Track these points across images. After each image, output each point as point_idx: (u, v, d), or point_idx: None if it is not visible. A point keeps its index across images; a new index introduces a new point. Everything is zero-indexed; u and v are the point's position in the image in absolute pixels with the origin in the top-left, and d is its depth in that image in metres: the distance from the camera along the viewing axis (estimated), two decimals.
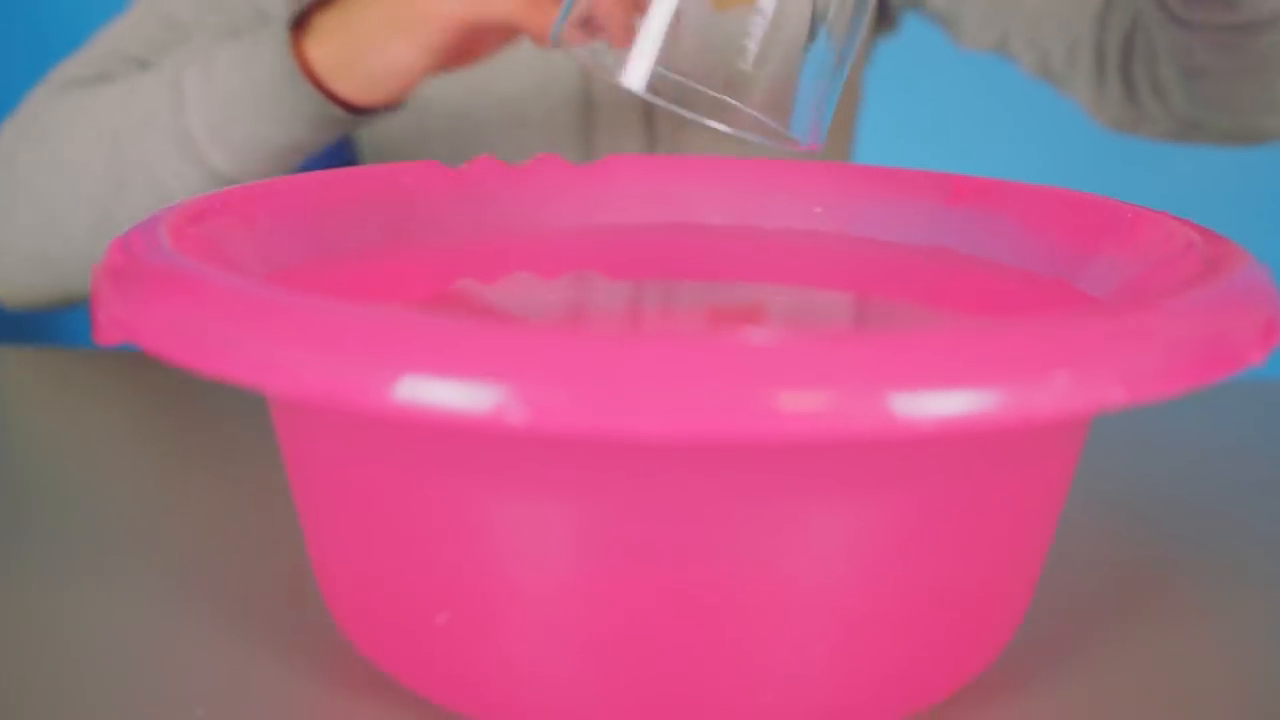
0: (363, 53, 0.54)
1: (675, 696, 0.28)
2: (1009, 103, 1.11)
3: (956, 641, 0.30)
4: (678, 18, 0.33)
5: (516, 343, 0.22)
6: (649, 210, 0.47)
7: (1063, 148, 1.16)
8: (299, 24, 0.56)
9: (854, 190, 0.45)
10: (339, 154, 0.82)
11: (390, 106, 0.57)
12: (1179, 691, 0.33)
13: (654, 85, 0.33)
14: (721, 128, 0.34)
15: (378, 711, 0.31)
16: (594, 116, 0.68)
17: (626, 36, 0.33)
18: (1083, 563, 0.39)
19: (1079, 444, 0.31)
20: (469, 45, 0.55)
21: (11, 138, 0.60)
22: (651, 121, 0.69)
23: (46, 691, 0.31)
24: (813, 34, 0.34)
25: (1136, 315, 0.24)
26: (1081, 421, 0.30)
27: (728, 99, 0.33)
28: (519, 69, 0.66)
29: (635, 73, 0.33)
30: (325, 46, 0.55)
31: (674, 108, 0.33)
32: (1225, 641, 0.35)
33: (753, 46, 0.33)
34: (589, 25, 0.34)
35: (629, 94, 0.37)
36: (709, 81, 0.33)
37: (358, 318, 0.23)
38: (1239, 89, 0.51)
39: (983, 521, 0.28)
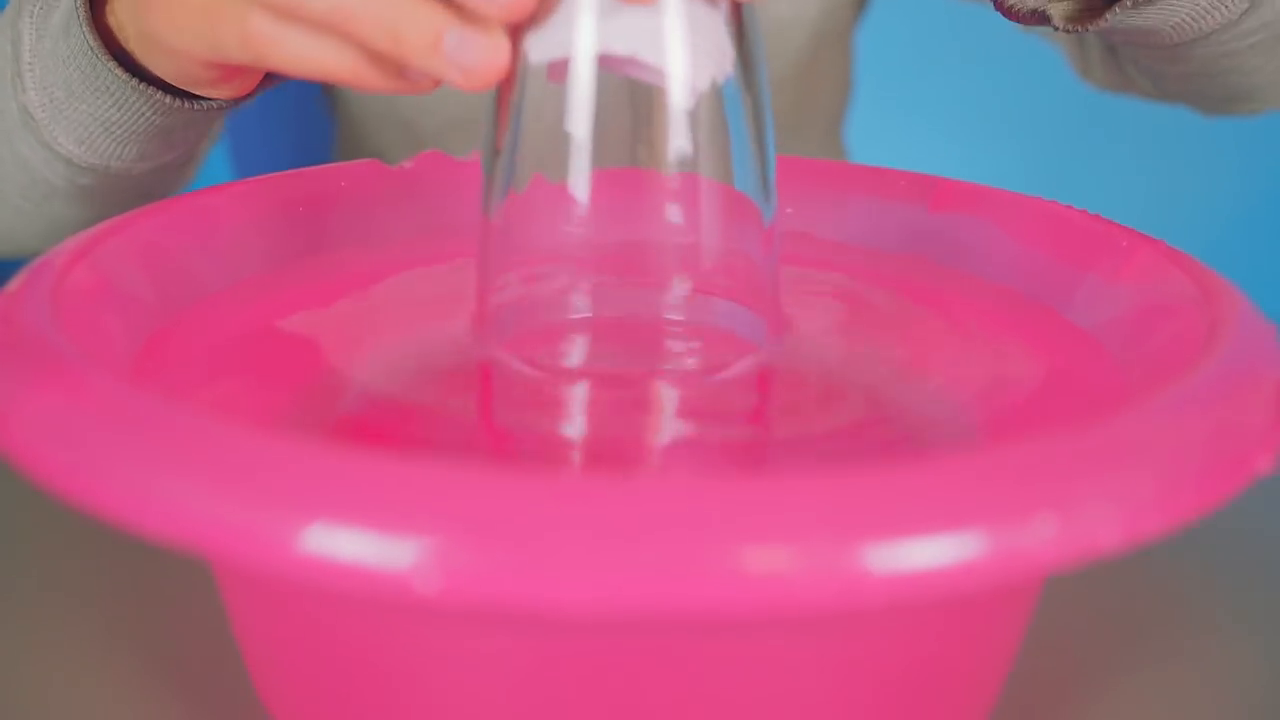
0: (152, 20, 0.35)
1: None
2: (1010, 92, 1.07)
3: None
4: None
5: (431, 492, 0.20)
6: (613, 209, 0.44)
7: (1065, 136, 1.12)
8: None
9: (825, 189, 0.42)
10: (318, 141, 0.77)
11: (236, 95, 0.39)
12: None
13: None
14: None
15: None
16: None
17: None
18: (1063, 615, 0.36)
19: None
20: None
21: None
22: None
23: None
24: None
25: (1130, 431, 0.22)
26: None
27: None
28: None
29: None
30: (121, 11, 0.38)
31: None
32: (1209, 685, 0.33)
33: None
34: None
35: None
36: None
37: (252, 448, 0.21)
38: (1197, 86, 0.49)
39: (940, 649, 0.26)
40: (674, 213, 0.34)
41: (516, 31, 0.29)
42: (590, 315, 0.35)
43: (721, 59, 0.29)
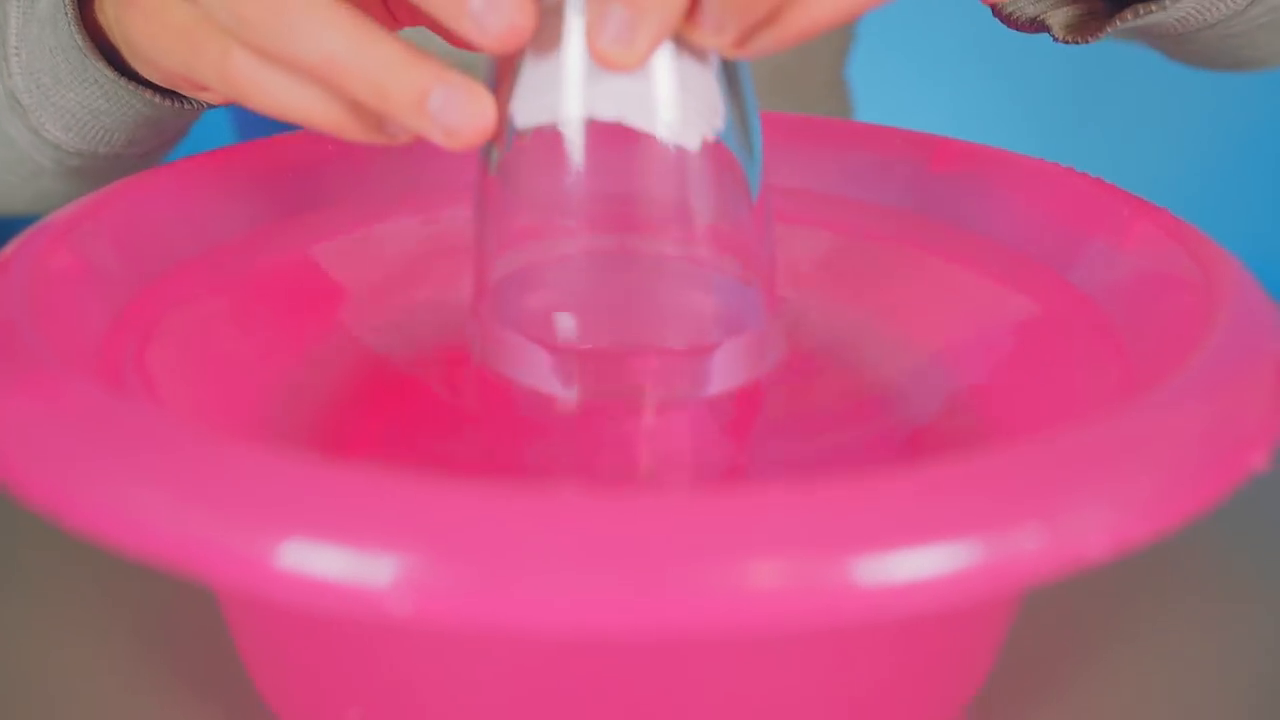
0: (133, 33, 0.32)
1: None
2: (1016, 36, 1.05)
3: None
4: None
5: (408, 508, 0.19)
6: (608, 160, 0.43)
7: (1071, 77, 1.10)
8: None
9: (824, 146, 0.41)
10: None
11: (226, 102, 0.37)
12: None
13: None
14: None
15: None
16: None
17: None
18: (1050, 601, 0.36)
19: None
20: None
21: None
22: None
23: None
24: None
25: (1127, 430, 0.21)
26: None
27: None
28: None
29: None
30: (109, 9, 0.36)
31: None
32: (1201, 661, 0.33)
33: None
34: None
35: None
36: None
37: (222, 459, 0.20)
38: (1203, 61, 0.47)
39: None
40: (667, 181, 0.33)
41: (503, 92, 0.28)
42: (587, 287, 0.35)
43: (712, 115, 0.28)
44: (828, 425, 0.30)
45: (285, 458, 0.20)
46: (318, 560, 0.19)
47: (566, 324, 0.32)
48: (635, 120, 0.27)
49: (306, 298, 0.37)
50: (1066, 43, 0.40)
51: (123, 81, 0.38)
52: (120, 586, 0.34)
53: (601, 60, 0.25)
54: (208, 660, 0.32)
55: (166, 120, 0.40)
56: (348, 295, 0.38)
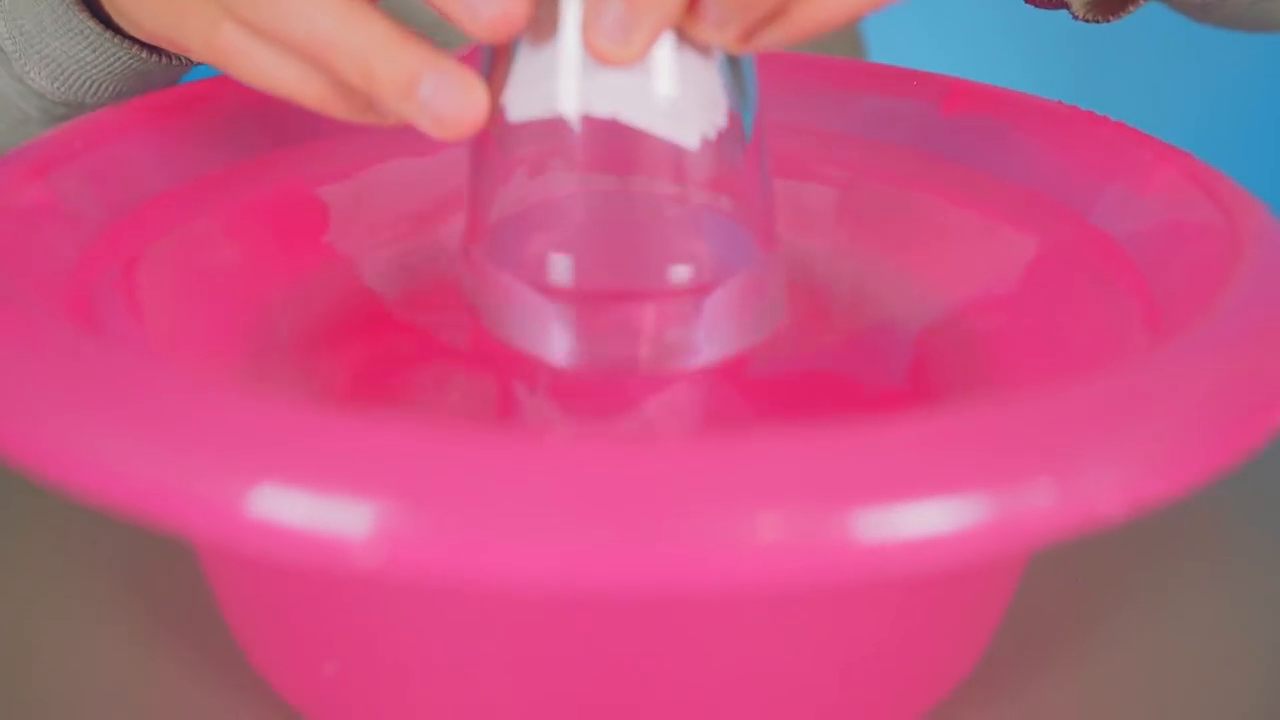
0: None
1: None
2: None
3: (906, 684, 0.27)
4: None
5: (379, 458, 0.18)
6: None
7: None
8: None
9: (834, 86, 0.39)
10: None
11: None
12: (1159, 692, 0.30)
13: None
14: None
15: None
16: None
17: None
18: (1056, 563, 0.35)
19: None
20: None
21: None
22: None
23: None
24: None
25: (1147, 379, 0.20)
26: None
27: None
28: None
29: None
30: None
31: None
32: (1204, 636, 0.32)
33: None
34: None
35: None
36: None
37: (196, 405, 0.19)
38: (1228, 27, 0.46)
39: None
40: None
41: (496, 79, 0.27)
42: (580, 229, 0.33)
43: (713, 111, 0.27)
44: (832, 370, 0.29)
45: (252, 398, 0.19)
46: (283, 506, 0.18)
47: (559, 265, 0.31)
48: (632, 117, 0.26)
49: (291, 233, 0.35)
50: (1086, 21, 0.38)
51: (109, 35, 0.36)
52: (97, 533, 0.33)
53: (597, 55, 0.24)
54: (185, 612, 0.31)
55: (155, 73, 0.39)
56: (334, 232, 0.37)
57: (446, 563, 0.17)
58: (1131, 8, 0.37)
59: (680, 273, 0.31)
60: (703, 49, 0.27)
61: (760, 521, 0.17)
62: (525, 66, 0.27)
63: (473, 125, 0.25)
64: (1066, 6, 0.39)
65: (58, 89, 0.39)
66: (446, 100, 0.24)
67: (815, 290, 0.36)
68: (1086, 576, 0.33)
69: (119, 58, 0.37)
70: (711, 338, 0.30)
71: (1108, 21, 0.38)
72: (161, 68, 0.38)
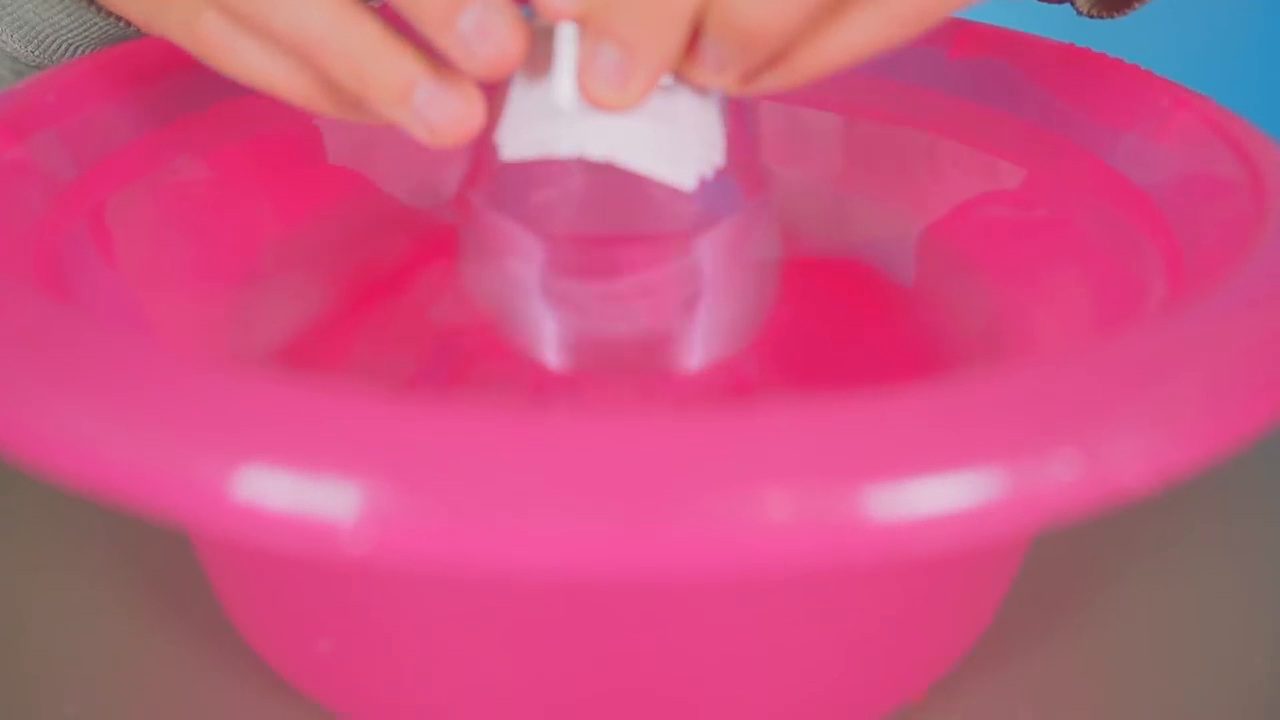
0: None
1: None
2: None
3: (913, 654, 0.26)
4: None
5: (367, 437, 0.17)
6: None
7: None
8: None
9: None
10: None
11: None
12: (1158, 664, 0.30)
13: None
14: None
15: (268, 710, 0.27)
16: None
17: None
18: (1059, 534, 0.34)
19: None
20: None
21: None
22: None
23: None
24: None
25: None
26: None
27: None
28: None
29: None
30: None
31: None
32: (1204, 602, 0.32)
33: None
34: None
35: None
36: None
37: (174, 382, 0.18)
38: None
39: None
40: None
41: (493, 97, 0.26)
42: (578, 177, 0.32)
43: (710, 151, 0.26)
44: (837, 322, 0.28)
45: (231, 374, 0.18)
46: (266, 490, 0.17)
47: (554, 212, 0.30)
48: (628, 161, 0.25)
49: (276, 178, 0.34)
50: (1091, 16, 0.37)
51: (88, 6, 0.35)
52: (90, 511, 0.33)
53: (593, 101, 0.23)
54: (180, 590, 0.30)
55: (131, 38, 0.38)
56: (323, 176, 0.36)
57: (440, 550, 0.16)
58: (1137, 4, 0.36)
59: (669, 220, 0.30)
60: (701, 88, 0.26)
61: (770, 501, 0.17)
62: (519, 104, 0.26)
63: (469, 135, 0.24)
64: (1071, 1, 0.38)
65: (31, 52, 0.37)
66: (441, 109, 0.23)
67: (819, 234, 0.35)
68: (1089, 547, 0.32)
69: (94, 23, 0.36)
70: (699, 288, 0.30)
71: (1112, 17, 0.37)
72: (138, 33, 0.37)
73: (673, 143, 0.25)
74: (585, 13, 0.23)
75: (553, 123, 0.25)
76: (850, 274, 0.33)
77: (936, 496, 0.17)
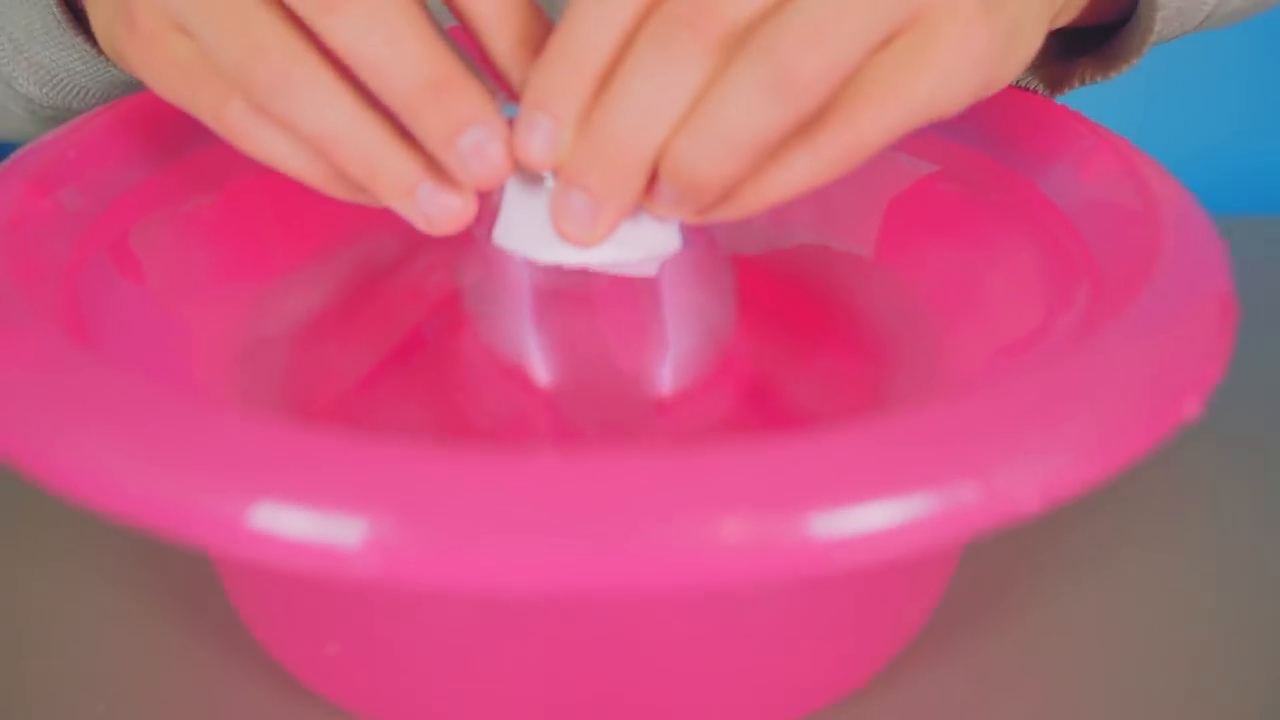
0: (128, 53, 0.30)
1: None
2: None
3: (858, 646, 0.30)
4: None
5: (373, 477, 0.20)
6: None
7: None
8: None
9: None
10: None
11: None
12: (1100, 640, 0.33)
13: None
14: None
15: (281, 708, 0.30)
16: None
17: None
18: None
19: None
20: None
21: None
22: None
23: None
24: None
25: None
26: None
27: None
28: None
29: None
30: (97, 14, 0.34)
31: None
32: (1144, 587, 0.35)
33: None
34: None
35: None
36: None
37: (201, 428, 0.21)
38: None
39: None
40: None
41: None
42: None
43: (668, 238, 0.29)
44: (787, 346, 0.31)
45: (253, 420, 0.21)
46: (286, 523, 0.20)
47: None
48: (600, 265, 0.29)
49: (285, 215, 0.37)
50: (1085, 82, 0.40)
51: (103, 57, 0.37)
52: (112, 528, 0.35)
53: (564, 237, 0.27)
54: (196, 596, 0.33)
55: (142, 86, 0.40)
56: (329, 213, 0.38)
57: (437, 572, 0.19)
58: (1124, 66, 0.39)
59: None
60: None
61: (724, 527, 0.20)
62: (514, 200, 0.29)
63: (461, 226, 0.27)
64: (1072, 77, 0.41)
65: (46, 94, 0.40)
66: (439, 205, 0.26)
67: (768, 260, 0.38)
68: (1024, 541, 0.35)
69: (109, 71, 0.38)
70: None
71: (1108, 78, 0.40)
72: None
73: (635, 243, 0.28)
74: (557, 164, 0.26)
75: (539, 228, 0.28)
76: (798, 298, 0.36)
77: (859, 522, 0.20)
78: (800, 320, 0.36)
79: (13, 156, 0.31)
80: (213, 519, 0.20)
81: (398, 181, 0.26)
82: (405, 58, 0.25)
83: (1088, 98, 0.40)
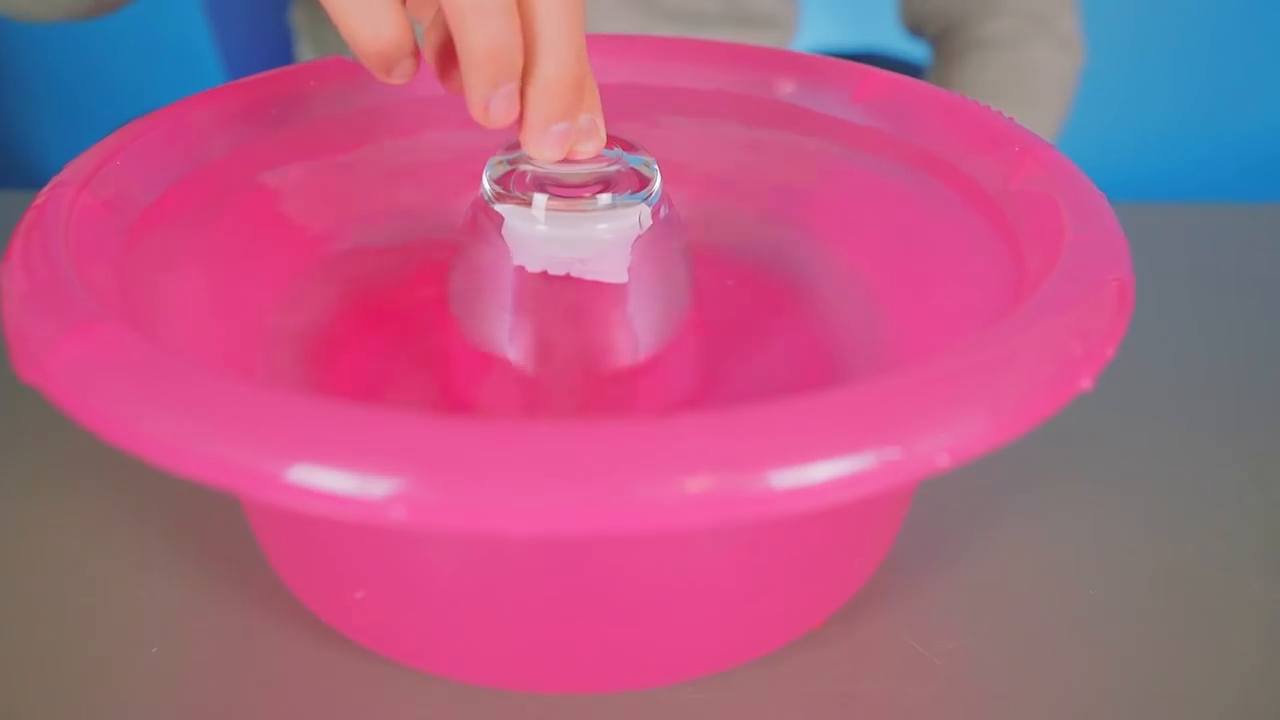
0: None
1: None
2: None
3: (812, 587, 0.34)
4: None
5: (399, 443, 0.24)
6: None
7: None
8: None
9: (753, 70, 0.45)
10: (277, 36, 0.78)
11: None
12: (1049, 578, 0.37)
13: None
14: None
15: (316, 654, 0.35)
16: None
17: None
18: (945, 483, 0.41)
19: None
20: None
21: None
22: None
23: (7, 633, 0.35)
24: None
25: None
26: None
27: None
28: None
29: None
30: None
31: None
32: (1085, 536, 0.39)
33: None
34: None
35: None
36: None
37: (258, 403, 0.25)
38: None
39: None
40: None
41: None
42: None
43: (633, 225, 0.35)
44: (744, 320, 0.35)
45: (294, 397, 0.25)
46: (328, 481, 0.24)
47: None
48: (579, 274, 0.35)
49: (294, 219, 0.41)
50: None
51: None
52: (148, 478, 0.40)
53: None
54: (230, 546, 0.38)
55: None
56: (340, 213, 0.43)
57: (452, 519, 0.24)
58: None
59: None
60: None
61: (692, 481, 0.24)
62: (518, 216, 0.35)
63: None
64: None
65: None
66: (502, 107, 0.32)
67: (729, 243, 0.42)
68: (970, 493, 0.40)
69: None
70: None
71: None
72: None
73: (604, 258, 0.34)
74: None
75: (539, 247, 0.35)
76: (754, 277, 0.40)
77: (806, 477, 0.24)
78: (757, 297, 0.40)
79: (67, 166, 0.36)
80: (263, 478, 0.24)
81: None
82: None
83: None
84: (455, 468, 0.24)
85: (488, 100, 0.31)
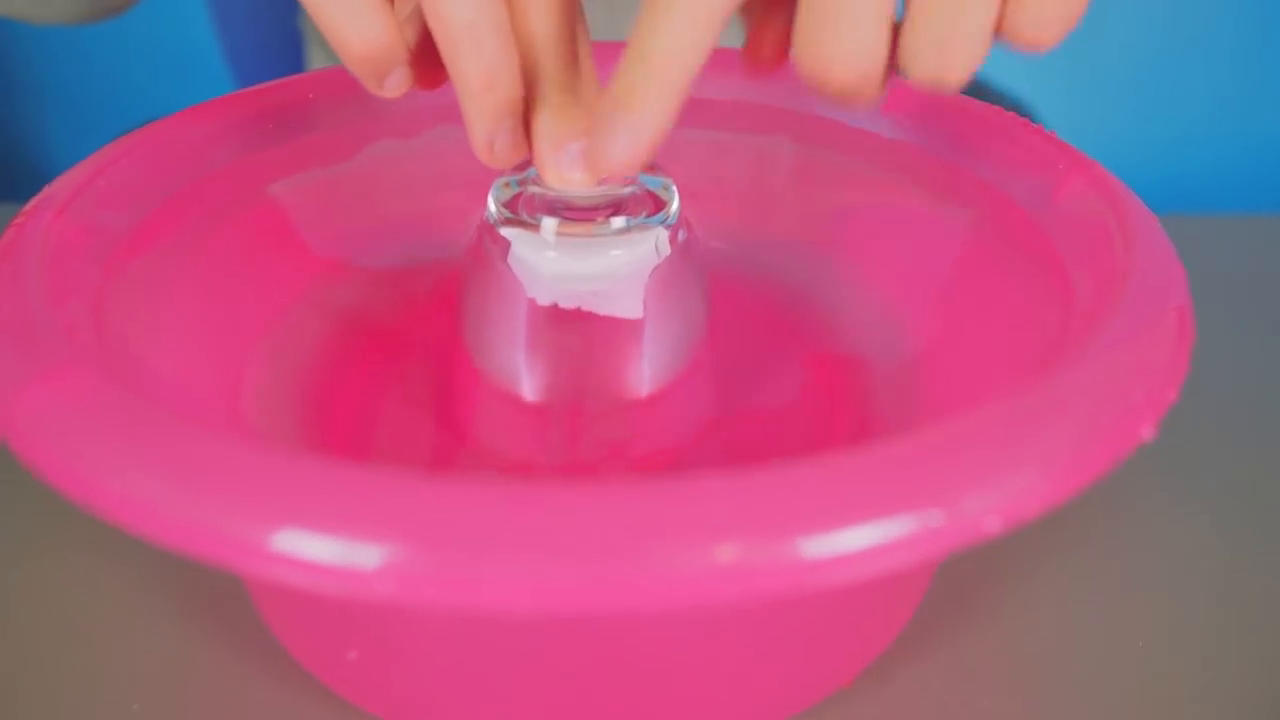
0: None
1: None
2: None
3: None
4: None
5: (389, 508, 0.22)
6: None
7: None
8: None
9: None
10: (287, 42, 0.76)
11: None
12: (1084, 637, 0.35)
13: None
14: None
15: (304, 708, 0.32)
16: None
17: None
18: None
19: None
20: None
21: None
22: None
23: None
24: None
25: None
26: None
27: None
28: None
29: None
30: None
31: None
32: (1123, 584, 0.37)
33: None
34: None
35: None
36: None
37: (230, 461, 0.23)
38: None
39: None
40: None
41: None
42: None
43: (650, 252, 0.32)
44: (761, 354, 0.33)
45: (279, 454, 0.23)
46: (309, 549, 0.22)
47: None
48: (591, 309, 0.33)
49: (288, 243, 0.39)
50: None
51: None
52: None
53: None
54: (222, 602, 0.35)
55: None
56: (333, 236, 0.40)
57: (447, 595, 0.21)
58: None
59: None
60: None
61: (716, 551, 0.21)
62: (528, 242, 0.33)
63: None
64: None
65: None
66: (506, 143, 0.30)
67: (746, 270, 0.40)
68: (1003, 545, 0.37)
69: None
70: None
71: None
72: None
73: (624, 286, 0.32)
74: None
75: (549, 278, 0.32)
76: (774, 303, 0.38)
77: (837, 545, 0.22)
78: (777, 328, 0.38)
79: (45, 188, 0.33)
80: (241, 545, 0.22)
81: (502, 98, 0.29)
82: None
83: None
84: (448, 538, 0.21)
85: (491, 136, 0.29)
